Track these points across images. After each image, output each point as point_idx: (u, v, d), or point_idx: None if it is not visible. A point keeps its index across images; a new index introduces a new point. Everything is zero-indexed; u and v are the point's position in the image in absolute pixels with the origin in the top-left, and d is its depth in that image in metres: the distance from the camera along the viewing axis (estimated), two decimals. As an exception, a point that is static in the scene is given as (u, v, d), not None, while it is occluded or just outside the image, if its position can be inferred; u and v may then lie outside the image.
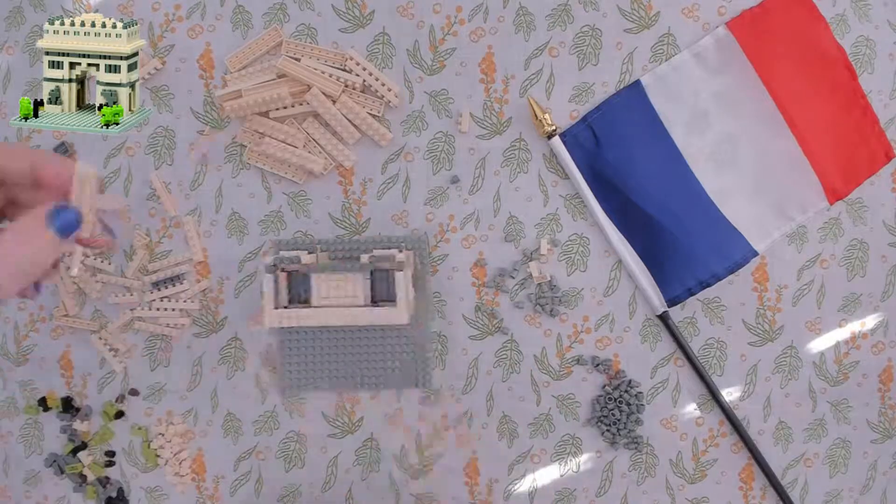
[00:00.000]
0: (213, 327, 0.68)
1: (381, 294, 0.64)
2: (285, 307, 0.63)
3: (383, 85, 0.66)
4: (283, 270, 0.62)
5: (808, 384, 0.69)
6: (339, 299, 0.62)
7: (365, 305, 0.62)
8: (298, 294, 0.64)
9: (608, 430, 0.68)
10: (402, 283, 0.61)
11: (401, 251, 0.63)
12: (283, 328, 0.64)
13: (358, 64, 0.65)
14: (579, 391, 0.68)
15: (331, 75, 0.65)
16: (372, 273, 0.63)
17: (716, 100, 0.66)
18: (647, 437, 0.68)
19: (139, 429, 0.69)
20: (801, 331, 0.68)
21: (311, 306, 0.62)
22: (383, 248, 0.64)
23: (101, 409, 0.68)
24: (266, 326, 0.62)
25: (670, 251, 0.66)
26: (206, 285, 0.68)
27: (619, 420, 0.67)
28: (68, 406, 0.68)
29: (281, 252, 0.64)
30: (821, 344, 0.68)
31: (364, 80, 0.66)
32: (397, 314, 0.60)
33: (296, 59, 0.66)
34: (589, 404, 0.68)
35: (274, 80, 0.66)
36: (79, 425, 0.68)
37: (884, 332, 0.68)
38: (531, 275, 0.67)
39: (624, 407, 0.67)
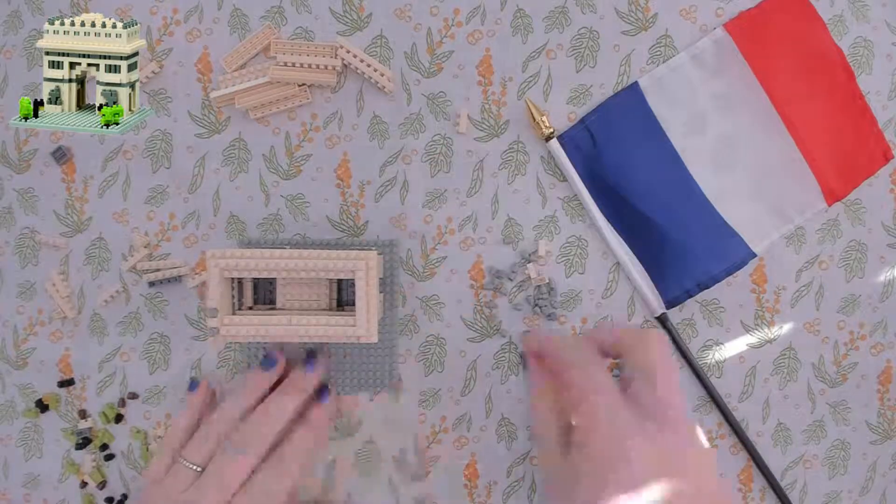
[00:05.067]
0: (211, 330, 0.68)
1: (347, 297, 0.64)
2: (250, 308, 0.62)
3: (376, 70, 0.66)
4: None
5: (807, 385, 0.69)
6: (302, 302, 0.62)
7: (329, 310, 0.62)
8: (264, 295, 0.63)
9: None
10: (363, 294, 0.59)
11: (367, 251, 0.61)
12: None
13: (349, 52, 0.66)
14: (578, 393, 0.68)
15: (326, 67, 0.66)
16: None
17: (714, 101, 0.67)
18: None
19: (138, 432, 0.68)
20: (799, 332, 0.68)
21: (275, 308, 0.62)
22: (354, 249, 0.62)
23: (100, 412, 0.68)
24: (216, 341, 0.62)
25: (668, 253, 0.66)
26: (205, 278, 0.68)
27: None
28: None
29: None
30: (819, 345, 0.68)
31: (357, 68, 0.66)
32: (355, 329, 0.58)
33: (289, 59, 0.66)
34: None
35: (268, 81, 0.66)
36: (83, 424, 0.68)
37: (882, 334, 0.68)
38: (529, 276, 0.67)
39: None
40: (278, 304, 0.62)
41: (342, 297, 0.64)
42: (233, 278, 0.61)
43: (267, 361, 0.62)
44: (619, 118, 0.67)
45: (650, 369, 0.52)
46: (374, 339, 0.59)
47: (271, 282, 0.63)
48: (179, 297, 0.68)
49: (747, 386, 0.68)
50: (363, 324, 0.58)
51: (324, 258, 0.58)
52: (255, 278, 0.63)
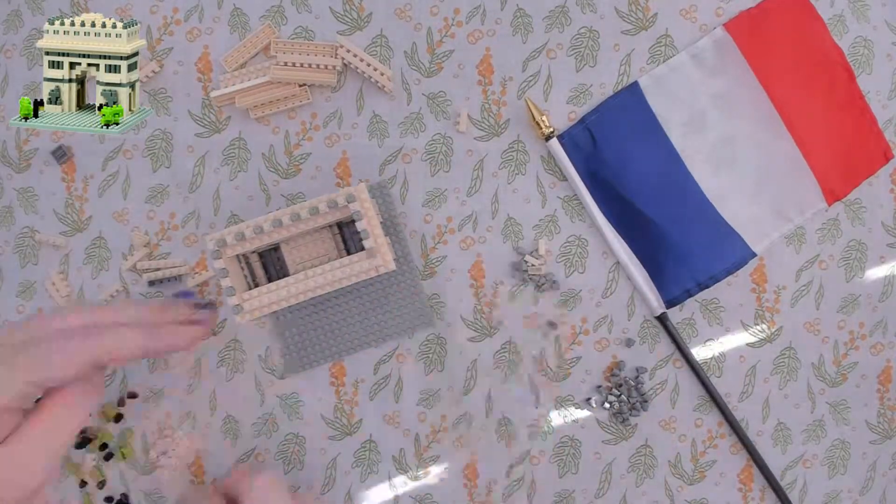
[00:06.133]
0: (211, 329, 0.68)
1: (354, 246, 0.64)
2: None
3: (376, 70, 0.66)
4: (253, 252, 0.62)
5: (807, 385, 0.69)
6: (313, 260, 0.62)
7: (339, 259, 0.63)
8: (275, 271, 0.64)
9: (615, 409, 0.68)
10: (368, 228, 0.59)
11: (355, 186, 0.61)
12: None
13: (349, 51, 0.66)
14: (578, 393, 0.68)
15: (326, 66, 0.66)
16: (340, 227, 0.63)
17: (714, 101, 0.67)
18: (646, 438, 0.69)
19: (123, 445, 0.69)
20: (799, 332, 0.68)
21: (290, 275, 0.63)
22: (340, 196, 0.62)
23: (99, 411, 0.68)
24: (242, 319, 0.61)
25: (668, 253, 0.66)
26: (205, 278, 0.68)
27: (623, 404, 0.68)
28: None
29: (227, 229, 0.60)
30: (819, 345, 0.68)
31: (357, 67, 0.66)
32: (372, 262, 0.59)
33: (289, 59, 0.66)
34: (592, 394, 0.68)
35: (268, 81, 0.66)
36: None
37: (882, 333, 0.68)
38: (531, 265, 0.67)
39: (625, 392, 0.67)
40: (291, 271, 0.63)
41: (348, 249, 0.64)
42: (239, 258, 0.61)
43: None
44: (619, 118, 0.67)
45: None
46: (392, 266, 0.60)
47: (279, 257, 0.63)
48: (179, 296, 0.68)
49: (747, 385, 0.68)
50: (377, 254, 0.59)
51: (315, 202, 0.59)
52: (261, 255, 0.63)
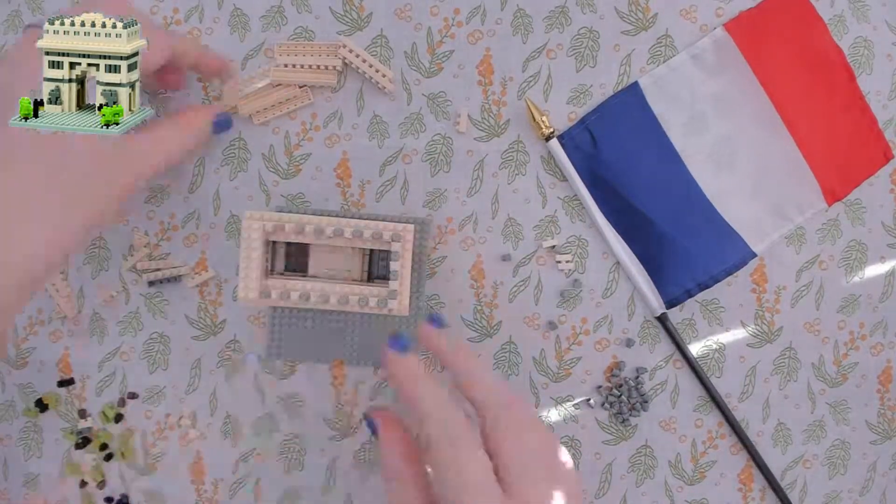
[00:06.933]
0: (211, 329, 0.68)
1: (378, 270, 0.64)
2: (281, 273, 0.63)
3: (377, 71, 0.66)
4: (284, 241, 0.63)
5: (807, 385, 0.69)
6: (334, 271, 0.63)
7: (360, 281, 0.63)
8: (295, 262, 0.64)
9: (615, 409, 0.68)
10: (400, 270, 0.60)
11: (405, 223, 0.62)
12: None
13: (351, 51, 0.66)
14: (577, 393, 0.68)
15: (327, 67, 0.66)
16: (371, 249, 0.63)
17: (714, 101, 0.67)
18: (646, 438, 0.69)
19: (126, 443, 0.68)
20: (799, 332, 0.68)
21: (307, 275, 0.63)
22: (387, 221, 0.62)
23: (100, 412, 0.68)
24: (246, 300, 0.60)
25: (668, 253, 0.66)
26: (205, 279, 0.68)
27: (623, 404, 0.68)
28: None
29: (270, 213, 0.61)
30: (819, 345, 0.68)
31: (358, 67, 0.66)
32: (390, 302, 0.60)
33: (289, 60, 0.66)
34: (592, 393, 0.68)
35: (269, 84, 0.66)
36: (83, 424, 0.68)
37: (882, 334, 0.68)
38: (529, 276, 0.67)
39: (625, 392, 0.67)
40: (310, 272, 0.63)
41: (372, 271, 0.64)
42: (268, 242, 0.62)
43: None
44: (619, 118, 0.67)
45: None
46: (406, 313, 0.60)
47: (303, 251, 0.63)
48: (179, 296, 0.68)
49: (747, 386, 0.68)
50: (399, 296, 0.60)
51: (362, 227, 0.60)
52: (287, 244, 0.63)
